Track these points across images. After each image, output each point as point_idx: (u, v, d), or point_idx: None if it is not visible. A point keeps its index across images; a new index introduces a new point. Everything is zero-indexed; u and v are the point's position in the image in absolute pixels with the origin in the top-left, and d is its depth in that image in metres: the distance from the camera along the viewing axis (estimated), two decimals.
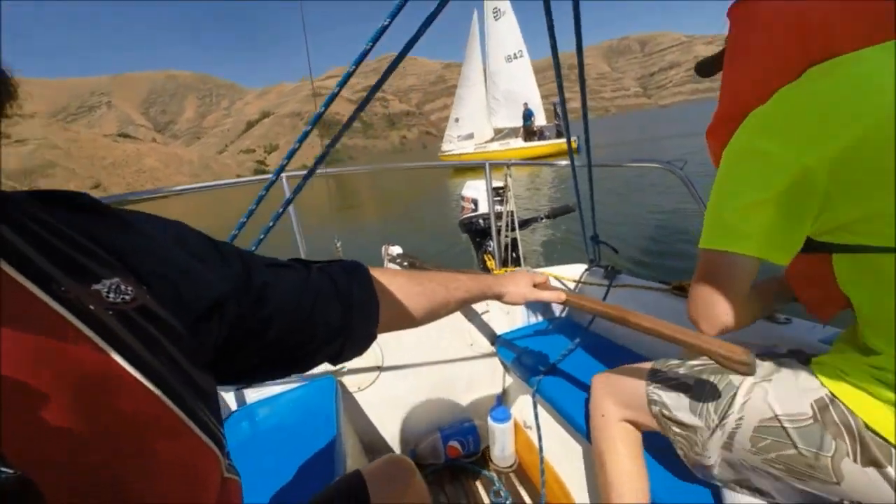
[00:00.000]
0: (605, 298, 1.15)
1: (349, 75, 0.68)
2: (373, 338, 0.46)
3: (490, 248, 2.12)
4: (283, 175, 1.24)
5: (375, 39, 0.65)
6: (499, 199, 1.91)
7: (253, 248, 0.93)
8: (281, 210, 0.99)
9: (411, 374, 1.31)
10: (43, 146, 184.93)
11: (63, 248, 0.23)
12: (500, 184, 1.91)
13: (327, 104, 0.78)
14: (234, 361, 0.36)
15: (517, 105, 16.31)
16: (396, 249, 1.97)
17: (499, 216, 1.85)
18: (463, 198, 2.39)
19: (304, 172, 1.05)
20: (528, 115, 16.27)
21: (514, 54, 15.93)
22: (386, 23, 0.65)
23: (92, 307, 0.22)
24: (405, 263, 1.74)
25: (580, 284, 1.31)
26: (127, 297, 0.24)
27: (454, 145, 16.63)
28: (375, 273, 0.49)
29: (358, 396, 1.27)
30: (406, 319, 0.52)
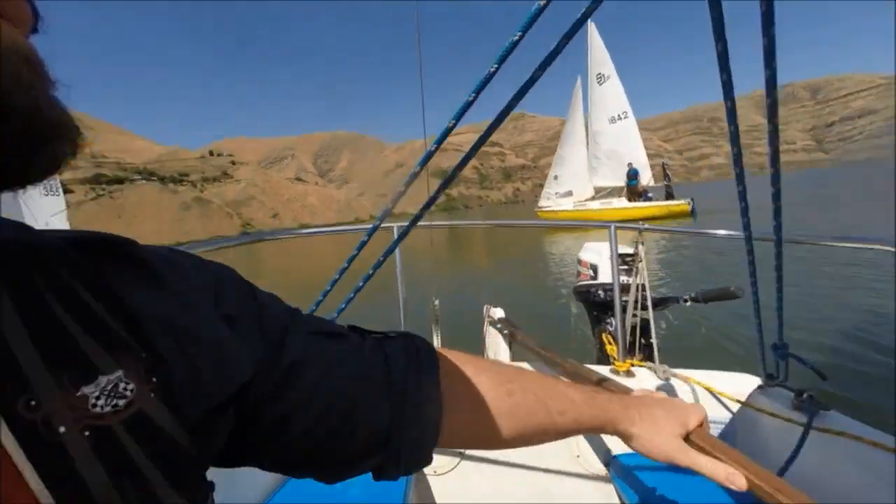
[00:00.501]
0: (800, 446, 0.75)
1: (448, 131, 0.64)
2: (425, 461, 0.34)
3: (611, 328, 1.76)
4: (395, 225, 1.22)
5: (478, 90, 0.62)
6: (625, 268, 1.60)
7: (351, 296, 0.84)
8: (382, 258, 0.87)
9: (499, 473, 1.10)
10: (249, 185, 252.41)
11: (70, 324, 0.20)
12: (628, 250, 1.60)
13: (425, 158, 0.71)
14: (241, 461, 0.29)
15: (620, 164, 15.98)
16: (498, 313, 1.75)
17: (625, 289, 1.51)
18: (580, 261, 2.06)
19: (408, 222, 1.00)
20: (632, 175, 15.75)
21: (619, 115, 15.95)
22: (493, 69, 0.58)
23: (62, 429, 0.18)
24: (506, 331, 1.60)
25: (754, 411, 0.93)
26: (121, 404, 0.20)
27: (552, 202, 17.04)
28: (450, 361, 0.36)
29: (432, 480, 1.09)
30: (481, 440, 0.38)
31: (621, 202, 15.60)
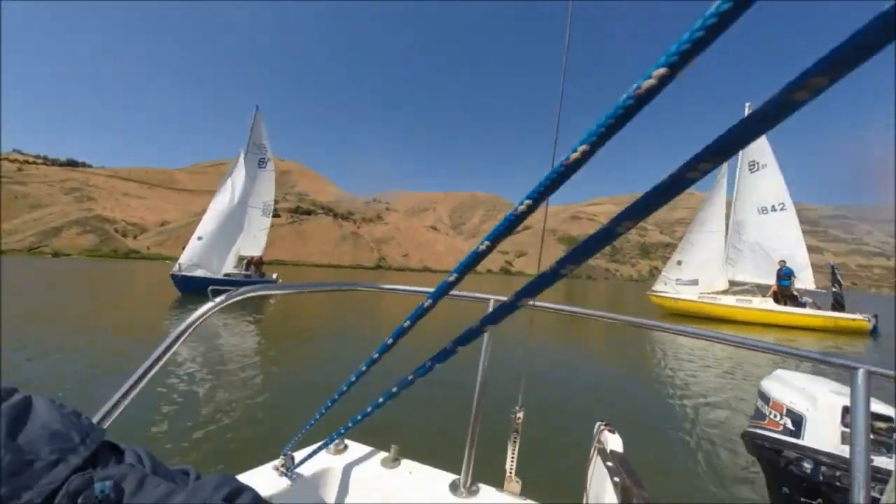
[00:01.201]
0: None
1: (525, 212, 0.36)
2: None
3: None
4: (492, 298, 1.14)
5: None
6: (881, 439, 1.05)
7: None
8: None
9: None
10: (393, 228, 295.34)
11: None
12: (887, 411, 1.07)
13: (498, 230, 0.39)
14: None
15: (768, 260, 13.46)
16: (614, 441, 1.13)
17: (876, 478, 0.91)
18: (767, 399, 1.35)
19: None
20: (785, 274, 13.10)
21: (776, 206, 13.77)
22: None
23: None
24: (617, 479, 0.98)
25: None
26: None
27: (670, 287, 15.37)
28: None
29: None
30: None
31: (765, 303, 12.94)
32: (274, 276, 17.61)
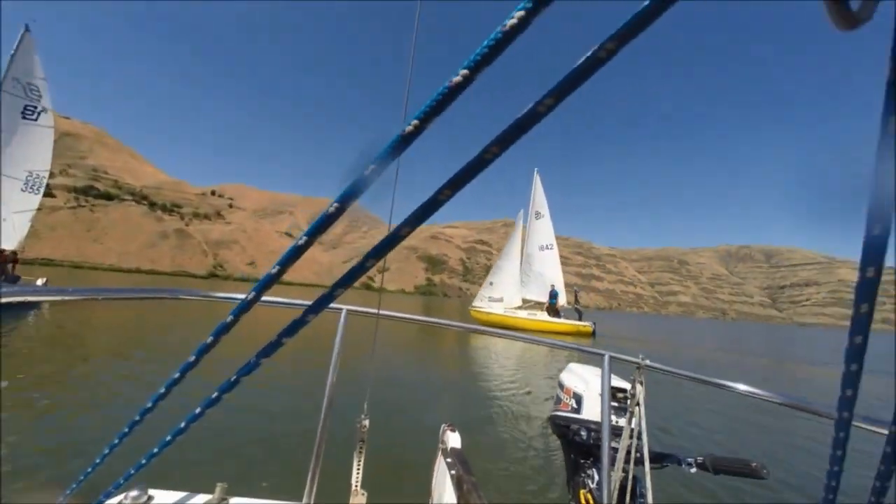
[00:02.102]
0: None
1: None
2: None
3: (592, 484, 1.37)
4: (344, 308, 1.18)
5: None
6: (616, 405, 1.37)
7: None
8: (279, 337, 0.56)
9: None
10: (237, 230, 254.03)
11: None
12: (623, 384, 1.42)
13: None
14: None
15: (544, 284, 18.71)
16: (453, 440, 1.41)
17: (616, 433, 1.26)
18: (562, 386, 1.64)
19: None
20: (554, 295, 18.20)
21: (547, 245, 19.38)
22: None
23: None
24: (453, 471, 1.23)
25: None
26: None
27: (484, 304, 19.06)
28: None
29: None
30: None
31: (543, 315, 17.73)
32: (39, 281, 12.63)
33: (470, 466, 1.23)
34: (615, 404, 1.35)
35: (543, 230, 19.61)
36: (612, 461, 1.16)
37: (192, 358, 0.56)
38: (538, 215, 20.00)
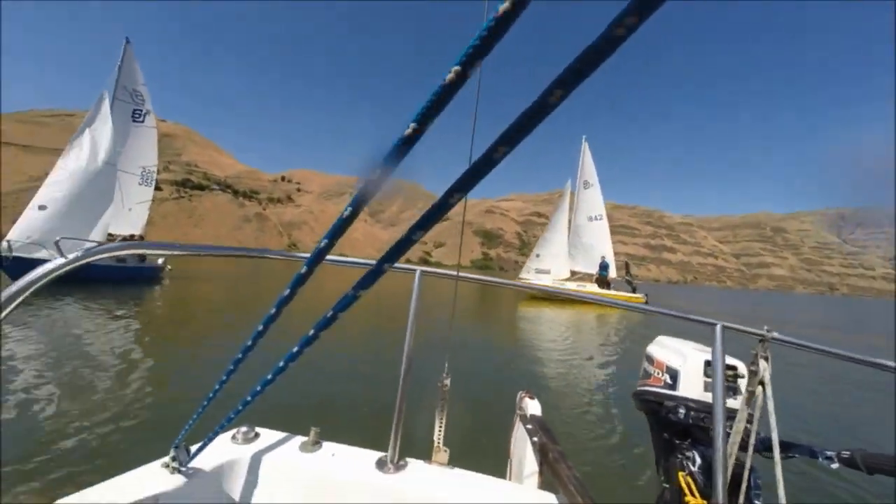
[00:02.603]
0: None
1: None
2: None
3: (694, 466, 1.17)
4: (418, 269, 1.21)
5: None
6: (730, 385, 1.19)
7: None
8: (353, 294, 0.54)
9: None
10: (305, 211, 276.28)
11: None
12: (737, 363, 1.21)
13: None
14: None
15: (592, 256, 18.11)
16: (533, 407, 1.39)
17: (729, 417, 1.04)
18: (651, 360, 1.45)
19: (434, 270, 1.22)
20: (604, 266, 17.61)
21: (596, 216, 18.51)
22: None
23: None
24: (535, 439, 1.26)
25: None
26: None
27: (531, 276, 19.10)
28: None
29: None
30: None
31: (593, 288, 17.32)
32: (160, 261, 14.12)
33: (555, 435, 1.25)
34: (729, 382, 1.19)
35: (593, 200, 18.78)
36: (727, 453, 0.98)
37: (273, 310, 0.60)
38: (587, 185, 19.09)
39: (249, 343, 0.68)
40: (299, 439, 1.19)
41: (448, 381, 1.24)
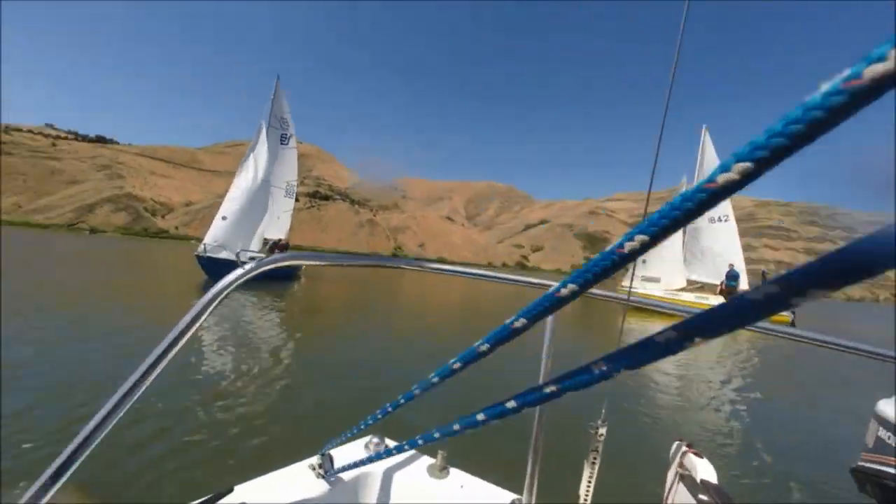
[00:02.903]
0: None
1: None
2: None
3: None
4: (556, 284, 0.65)
5: None
6: None
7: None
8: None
9: None
10: (409, 217, 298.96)
11: None
12: None
13: None
14: None
15: (715, 263, 15.30)
16: (701, 466, 1.00)
17: None
18: (887, 424, 1.04)
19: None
20: (733, 276, 14.85)
21: (720, 217, 15.56)
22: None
23: None
24: None
25: None
26: None
27: (635, 285, 17.26)
28: None
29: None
30: None
31: (718, 300, 14.75)
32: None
33: None
34: None
35: None
36: None
37: (435, 379, 0.52)
38: None
39: (416, 392, 0.60)
40: (427, 460, 1.18)
41: (604, 431, 1.00)
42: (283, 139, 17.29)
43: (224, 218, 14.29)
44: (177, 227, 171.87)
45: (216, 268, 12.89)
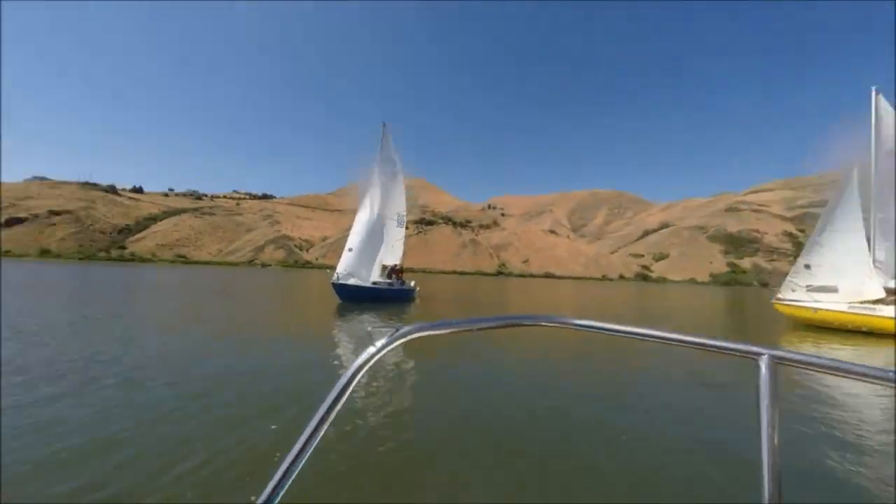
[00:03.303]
0: None
1: None
2: None
3: None
4: (767, 353, 0.55)
5: None
6: None
7: None
8: None
9: None
10: (510, 234, 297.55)
11: None
12: None
13: None
14: None
15: None
16: None
17: None
18: None
19: None
20: None
21: None
22: None
23: None
24: None
25: None
26: None
27: (800, 295, 13.74)
28: None
29: None
30: None
31: None
32: (412, 283, 19.17)
33: None
34: None
35: None
36: None
37: None
38: (891, 154, 12.13)
39: None
40: None
41: None
42: (393, 175, 19.53)
43: (350, 249, 16.96)
44: (317, 259, 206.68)
45: (347, 292, 15.43)
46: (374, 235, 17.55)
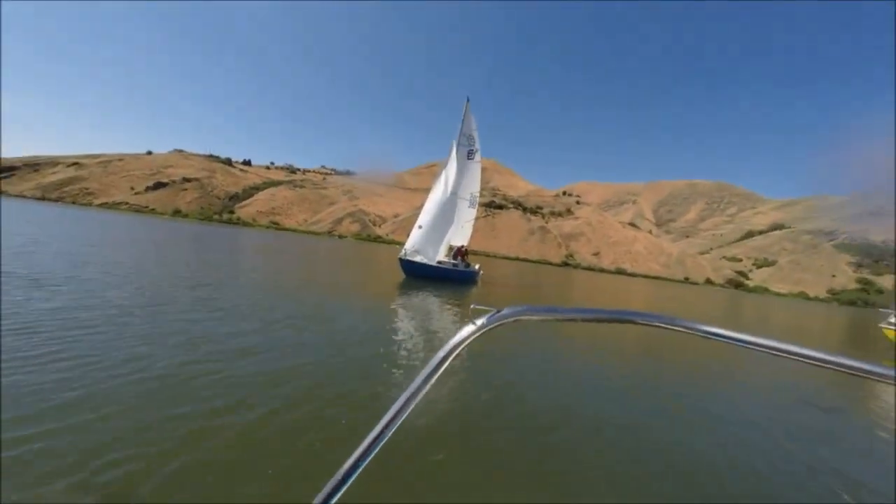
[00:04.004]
0: None
1: None
2: None
3: None
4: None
5: None
6: None
7: None
8: None
9: None
10: (583, 223, 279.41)
11: None
12: None
13: None
14: None
15: None
16: None
17: None
18: None
19: None
20: None
21: None
22: None
23: None
24: None
25: None
26: None
27: None
28: None
29: None
30: None
31: None
32: (476, 266, 18.38)
33: None
34: None
35: None
36: None
37: None
38: None
39: None
40: None
41: None
42: (470, 154, 18.80)
43: (420, 227, 16.90)
44: (388, 234, 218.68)
45: (412, 268, 15.59)
46: (445, 214, 17.27)
